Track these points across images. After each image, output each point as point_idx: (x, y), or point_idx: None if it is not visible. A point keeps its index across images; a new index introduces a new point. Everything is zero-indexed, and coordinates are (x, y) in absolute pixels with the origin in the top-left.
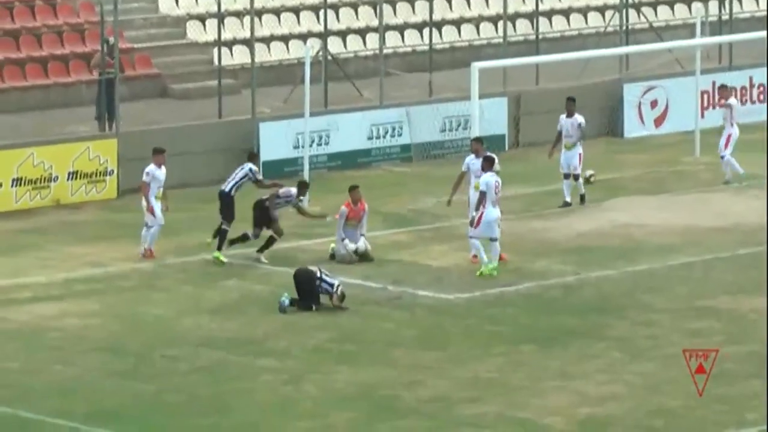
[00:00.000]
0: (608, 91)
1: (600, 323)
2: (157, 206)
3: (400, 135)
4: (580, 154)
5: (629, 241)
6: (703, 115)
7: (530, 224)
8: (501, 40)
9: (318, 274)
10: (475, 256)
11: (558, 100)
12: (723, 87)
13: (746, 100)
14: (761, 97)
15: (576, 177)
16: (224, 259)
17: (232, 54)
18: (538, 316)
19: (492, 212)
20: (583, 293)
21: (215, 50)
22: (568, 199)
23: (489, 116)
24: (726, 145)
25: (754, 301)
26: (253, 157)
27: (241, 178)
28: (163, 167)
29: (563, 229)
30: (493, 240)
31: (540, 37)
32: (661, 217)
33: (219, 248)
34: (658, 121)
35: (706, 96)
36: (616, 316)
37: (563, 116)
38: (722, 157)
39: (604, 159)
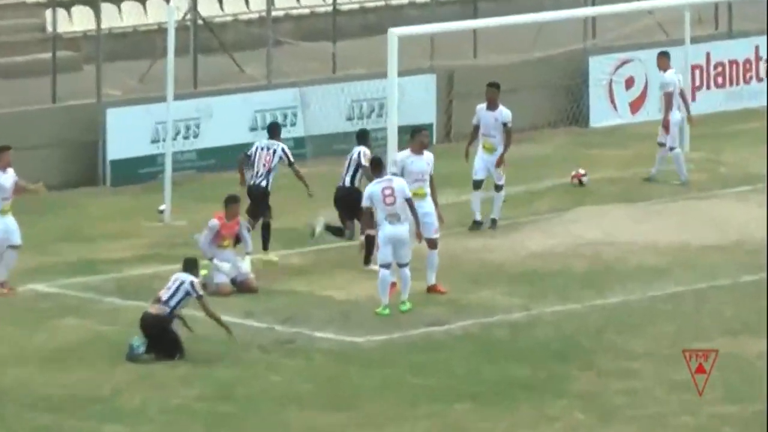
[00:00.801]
0: (569, 67)
1: (559, 374)
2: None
3: (293, 125)
4: (502, 155)
5: (598, 264)
6: (694, 98)
7: (467, 243)
8: None
9: (168, 312)
10: (393, 284)
11: (503, 79)
12: (663, 55)
13: (750, 78)
14: None
15: (499, 188)
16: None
17: (71, 17)
18: (478, 365)
19: (387, 229)
20: (536, 334)
21: (48, 13)
22: (478, 217)
23: (412, 99)
24: (668, 131)
25: (761, 343)
26: (276, 131)
27: (274, 165)
28: (9, 170)
29: (511, 248)
30: (401, 266)
31: None
32: (640, 232)
33: (266, 246)
34: (635, 106)
35: (698, 72)
36: (581, 365)
37: (482, 107)
38: (671, 149)
39: (564, 156)
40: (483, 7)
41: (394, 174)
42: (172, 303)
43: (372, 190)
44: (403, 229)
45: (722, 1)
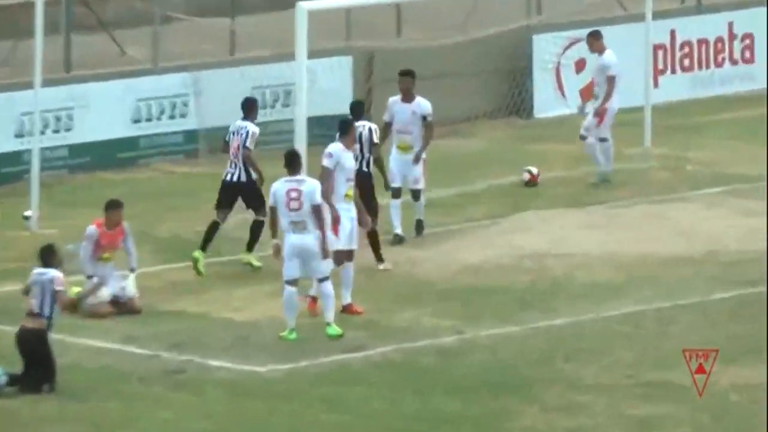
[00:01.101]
0: (509, 48)
1: (496, 409)
2: None
3: (183, 116)
4: (424, 160)
5: (543, 280)
6: (656, 83)
7: (388, 254)
8: None
9: (47, 324)
10: (314, 300)
11: (431, 63)
12: (594, 35)
13: (723, 60)
14: (747, 54)
15: (417, 195)
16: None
17: None
18: (401, 398)
19: (291, 238)
20: (470, 361)
21: None
22: (399, 231)
23: (325, 85)
24: (600, 122)
25: (736, 372)
26: (251, 109)
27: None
28: None
29: (440, 261)
30: (321, 281)
31: None
32: (592, 242)
33: (251, 247)
34: (587, 93)
35: (661, 53)
36: (523, 398)
37: (395, 99)
38: (603, 140)
39: (503, 152)
40: None
41: (326, 168)
42: (46, 311)
43: (276, 188)
44: (310, 239)
45: None
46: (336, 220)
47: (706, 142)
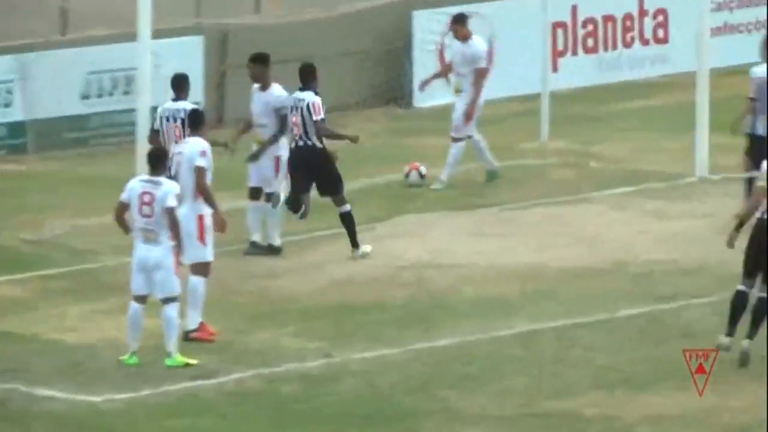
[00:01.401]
0: (385, 26)
1: None
2: None
3: (8, 105)
4: (277, 158)
5: (423, 295)
6: (555, 67)
7: (247, 266)
8: None
9: None
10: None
11: (293, 43)
12: (459, 20)
13: (632, 39)
14: (659, 32)
15: (270, 198)
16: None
17: None
18: None
19: (138, 249)
20: (339, 389)
21: None
22: (255, 237)
23: (171, 71)
24: (468, 120)
25: (647, 401)
26: (183, 87)
27: None
28: None
29: (305, 274)
30: (166, 302)
31: None
32: (481, 251)
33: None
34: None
35: (560, 32)
36: (400, 431)
37: (257, 87)
38: (469, 137)
39: (379, 146)
40: None
41: (203, 168)
42: None
43: (132, 186)
44: (158, 251)
45: None
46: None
47: (612, 135)
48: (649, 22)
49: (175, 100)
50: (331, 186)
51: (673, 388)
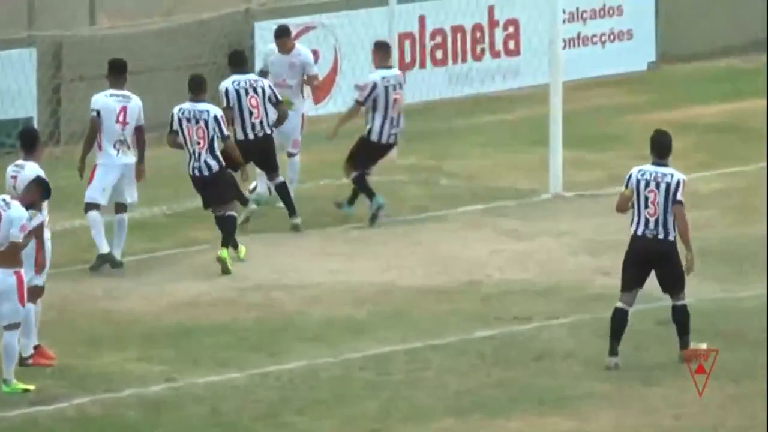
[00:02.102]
0: (225, 38)
1: None
2: None
3: None
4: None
5: (270, 316)
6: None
7: (82, 286)
8: None
9: None
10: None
11: (132, 54)
12: (285, 31)
13: (482, 51)
14: (510, 44)
15: (121, 208)
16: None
17: None
18: None
19: None
20: (184, 414)
21: None
22: (104, 249)
23: (3, 84)
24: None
25: (503, 427)
26: (201, 87)
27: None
28: None
29: (147, 294)
30: (8, 328)
31: None
32: (328, 270)
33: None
34: (321, 94)
35: (408, 43)
36: None
37: (100, 96)
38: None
39: None
40: None
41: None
42: None
43: None
44: (5, 276)
45: None
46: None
47: (464, 151)
48: (499, 34)
49: (194, 101)
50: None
51: (529, 412)
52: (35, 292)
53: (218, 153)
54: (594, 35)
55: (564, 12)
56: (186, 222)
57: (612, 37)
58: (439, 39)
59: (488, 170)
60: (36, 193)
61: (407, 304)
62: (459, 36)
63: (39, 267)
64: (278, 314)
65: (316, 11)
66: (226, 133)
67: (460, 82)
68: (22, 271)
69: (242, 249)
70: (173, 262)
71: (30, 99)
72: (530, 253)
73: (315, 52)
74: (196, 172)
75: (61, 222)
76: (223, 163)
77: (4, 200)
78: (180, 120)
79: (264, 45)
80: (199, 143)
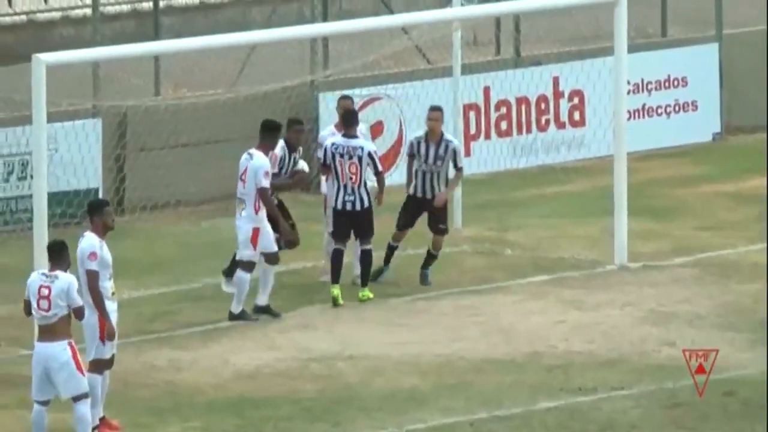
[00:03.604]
0: (290, 107)
1: None
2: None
3: None
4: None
5: (334, 387)
6: (468, 151)
7: (149, 358)
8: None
9: None
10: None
11: (196, 126)
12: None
13: (547, 122)
14: (576, 115)
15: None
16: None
17: None
18: None
19: (37, 345)
20: None
21: None
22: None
23: (67, 155)
24: None
25: None
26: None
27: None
28: None
29: (210, 365)
30: (76, 399)
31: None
32: (392, 342)
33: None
34: (386, 161)
35: (473, 114)
36: None
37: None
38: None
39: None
40: (166, 22)
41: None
42: None
43: (31, 280)
44: (57, 348)
45: (506, 15)
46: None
47: (527, 222)
48: (564, 105)
49: (347, 136)
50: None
51: None
52: (101, 364)
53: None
54: (659, 106)
55: (629, 83)
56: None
57: (677, 108)
58: (503, 110)
59: (552, 241)
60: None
61: (471, 374)
62: (524, 107)
63: (105, 336)
64: (341, 385)
65: (381, 82)
66: (380, 168)
67: (524, 152)
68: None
69: (367, 291)
70: (235, 332)
71: (94, 169)
72: (594, 323)
73: (380, 124)
74: (348, 206)
75: (127, 291)
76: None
77: (49, 276)
78: (333, 155)
79: (328, 117)
80: (351, 178)
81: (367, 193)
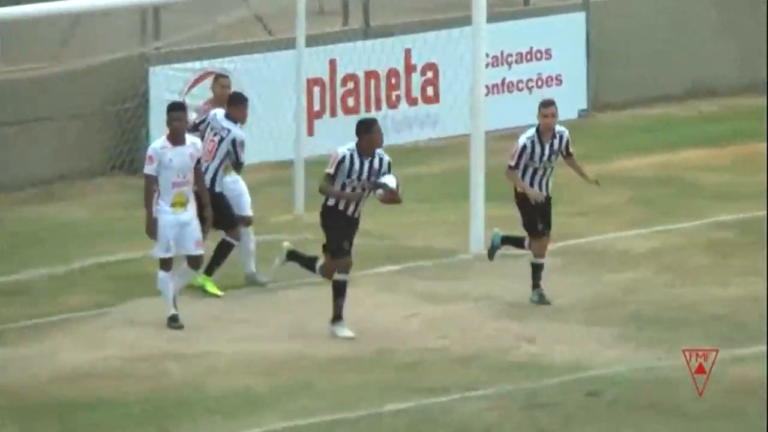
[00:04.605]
0: (117, 84)
1: None
2: None
3: None
4: None
5: (163, 389)
6: (311, 130)
7: None
8: None
9: None
10: None
11: (13, 103)
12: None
13: (398, 98)
14: (429, 91)
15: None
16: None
17: None
18: None
19: None
20: None
21: None
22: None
23: None
24: None
25: None
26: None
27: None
28: None
29: (27, 367)
30: None
31: None
32: (227, 338)
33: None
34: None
35: (317, 90)
36: None
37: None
38: None
39: (111, 221)
40: None
41: None
42: None
43: None
44: None
45: None
46: None
47: (377, 207)
48: (417, 79)
49: (227, 116)
50: None
51: None
52: None
53: None
54: (520, 81)
55: (487, 56)
56: (68, 286)
57: (540, 83)
58: (351, 85)
59: (404, 228)
60: None
61: (313, 374)
62: (373, 82)
63: None
64: (170, 387)
65: (217, 55)
66: (241, 159)
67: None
68: None
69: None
70: (56, 330)
71: None
72: (448, 318)
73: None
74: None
75: None
76: None
77: None
78: (208, 124)
79: (160, 93)
80: (205, 156)
81: (221, 178)
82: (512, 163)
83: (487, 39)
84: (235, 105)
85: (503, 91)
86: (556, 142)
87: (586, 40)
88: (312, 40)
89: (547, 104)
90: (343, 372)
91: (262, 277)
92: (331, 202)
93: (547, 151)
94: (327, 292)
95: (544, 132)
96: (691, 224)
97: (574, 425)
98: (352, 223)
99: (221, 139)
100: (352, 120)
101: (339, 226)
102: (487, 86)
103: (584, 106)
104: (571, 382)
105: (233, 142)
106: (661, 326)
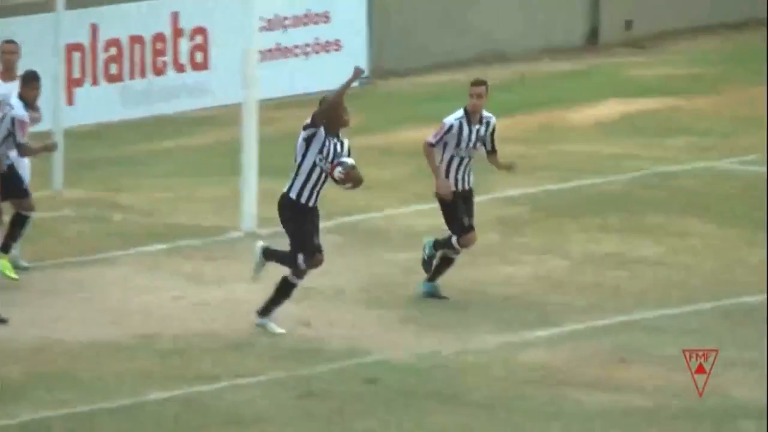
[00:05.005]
0: None
1: None
2: None
3: None
4: None
5: None
6: (71, 99)
7: None
8: None
9: None
10: None
11: None
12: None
13: (165, 65)
14: (198, 57)
15: None
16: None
17: None
18: None
19: None
20: None
21: None
22: None
23: None
24: None
25: None
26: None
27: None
28: None
29: None
30: None
31: None
32: None
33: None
34: None
35: (77, 56)
36: None
37: None
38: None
39: None
40: None
41: None
42: None
43: None
44: None
45: None
46: None
47: (141, 182)
48: (185, 44)
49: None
50: None
51: None
52: None
53: None
54: (296, 46)
55: (261, 19)
56: None
57: (317, 48)
58: (113, 51)
59: (170, 204)
60: None
61: (71, 361)
62: (137, 47)
63: None
64: None
65: None
66: (20, 139)
67: (138, 100)
68: None
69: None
70: None
71: None
72: (217, 300)
73: None
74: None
75: None
76: None
77: None
78: None
79: None
80: None
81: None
82: (432, 140)
83: (261, 1)
84: (24, 84)
85: (278, 57)
86: (482, 128)
87: (367, 2)
88: (72, 2)
89: (476, 83)
90: (103, 358)
91: (22, 262)
92: (293, 194)
93: (473, 137)
94: (84, 274)
95: (471, 113)
96: (479, 199)
97: (349, 414)
98: (316, 215)
99: (4, 115)
100: (115, 88)
101: (305, 221)
102: (260, 51)
103: (365, 73)
104: (348, 368)
105: (12, 120)
106: (446, 308)
